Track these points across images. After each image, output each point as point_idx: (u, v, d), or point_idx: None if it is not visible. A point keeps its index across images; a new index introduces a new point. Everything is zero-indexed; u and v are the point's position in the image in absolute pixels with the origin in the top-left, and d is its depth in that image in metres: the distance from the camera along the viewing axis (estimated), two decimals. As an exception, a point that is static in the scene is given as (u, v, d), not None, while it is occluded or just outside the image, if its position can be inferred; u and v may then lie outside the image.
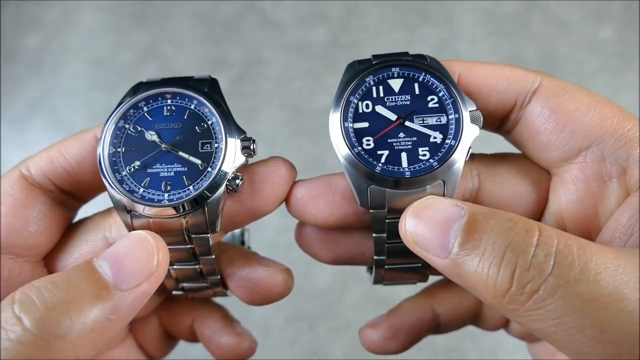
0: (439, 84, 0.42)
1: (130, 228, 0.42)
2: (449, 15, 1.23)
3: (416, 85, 0.43)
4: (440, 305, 0.50)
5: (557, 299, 0.31)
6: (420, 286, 0.51)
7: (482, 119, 0.42)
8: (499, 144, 0.47)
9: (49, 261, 0.45)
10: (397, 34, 1.22)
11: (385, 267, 0.45)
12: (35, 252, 0.44)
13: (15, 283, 0.42)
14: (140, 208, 0.41)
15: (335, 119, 0.42)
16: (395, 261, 0.44)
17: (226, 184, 0.41)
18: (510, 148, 0.46)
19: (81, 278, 0.35)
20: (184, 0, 1.28)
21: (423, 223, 0.36)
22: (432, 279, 0.50)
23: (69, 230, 0.46)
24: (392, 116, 0.42)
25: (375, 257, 0.44)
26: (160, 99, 0.44)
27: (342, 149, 0.41)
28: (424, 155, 0.41)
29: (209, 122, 0.43)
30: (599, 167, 0.40)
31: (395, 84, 0.43)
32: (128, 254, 0.37)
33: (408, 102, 0.42)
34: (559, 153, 0.41)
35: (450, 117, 0.42)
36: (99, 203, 0.48)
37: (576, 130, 0.40)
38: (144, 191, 0.41)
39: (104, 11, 1.29)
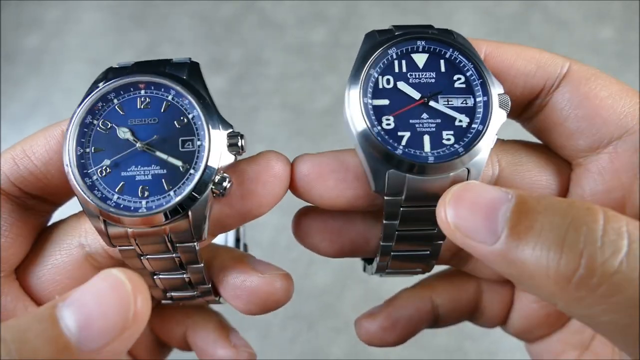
0: (467, 62, 0.38)
1: (105, 236, 0.37)
2: (449, 15, 1.23)
3: (442, 62, 0.39)
4: (440, 297, 0.46)
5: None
6: (416, 279, 0.49)
7: (510, 104, 0.38)
8: (512, 131, 0.45)
9: (21, 272, 0.41)
10: (397, 34, 1.22)
11: (392, 254, 0.41)
12: (5, 267, 0.39)
13: None
14: (114, 217, 0.36)
15: (353, 94, 0.37)
16: (404, 248, 0.40)
17: (212, 188, 0.36)
18: (523, 136, 0.44)
19: (39, 334, 0.28)
20: (184, 0, 1.28)
21: (466, 207, 0.32)
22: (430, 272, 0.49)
23: (42, 236, 0.42)
24: (416, 94, 0.38)
25: (382, 243, 0.40)
26: (132, 89, 0.38)
27: (359, 128, 0.37)
28: (449, 139, 0.37)
29: (190, 116, 0.37)
30: (631, 158, 0.37)
31: (420, 59, 0.39)
32: (97, 302, 0.28)
33: (433, 80, 0.38)
34: (587, 142, 0.38)
35: (477, 99, 0.38)
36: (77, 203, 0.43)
37: (609, 119, 0.37)
38: (118, 198, 0.36)
39: (104, 11, 1.29)
